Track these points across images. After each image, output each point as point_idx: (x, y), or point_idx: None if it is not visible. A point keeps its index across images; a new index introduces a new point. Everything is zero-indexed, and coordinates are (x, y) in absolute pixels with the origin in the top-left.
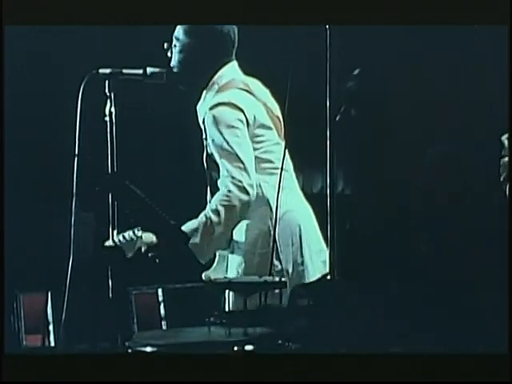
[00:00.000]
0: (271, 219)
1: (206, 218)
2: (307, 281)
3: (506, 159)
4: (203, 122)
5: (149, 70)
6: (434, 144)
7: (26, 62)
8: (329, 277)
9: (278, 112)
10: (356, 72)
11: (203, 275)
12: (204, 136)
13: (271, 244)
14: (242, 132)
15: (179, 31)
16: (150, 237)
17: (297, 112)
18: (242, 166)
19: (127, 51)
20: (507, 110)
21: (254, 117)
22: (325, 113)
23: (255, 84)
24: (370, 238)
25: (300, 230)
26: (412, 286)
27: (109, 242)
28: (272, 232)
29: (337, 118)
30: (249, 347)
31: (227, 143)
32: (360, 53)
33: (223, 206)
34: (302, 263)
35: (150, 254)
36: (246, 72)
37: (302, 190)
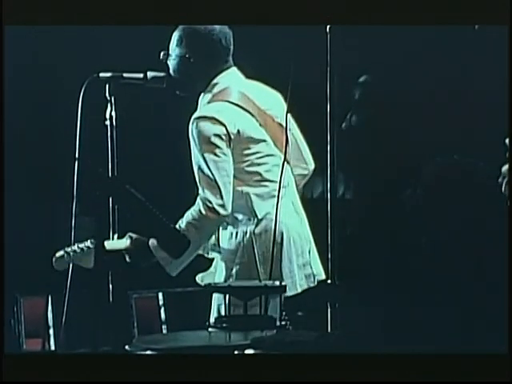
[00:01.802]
0: (255, 229)
1: None
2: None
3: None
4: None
5: (149, 74)
6: (435, 148)
7: (26, 62)
8: (329, 281)
9: (281, 119)
10: (360, 79)
11: (197, 278)
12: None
13: (255, 252)
14: (222, 150)
15: (172, 40)
16: (115, 244)
17: (297, 114)
18: (215, 187)
19: (127, 51)
20: (507, 110)
21: (240, 131)
22: (325, 116)
23: (257, 89)
24: (370, 243)
25: (282, 242)
26: (412, 288)
27: (59, 253)
28: (272, 242)
29: (343, 126)
30: (249, 351)
31: (204, 161)
32: (360, 53)
33: (192, 225)
34: (281, 276)
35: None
36: (249, 76)
37: (302, 193)
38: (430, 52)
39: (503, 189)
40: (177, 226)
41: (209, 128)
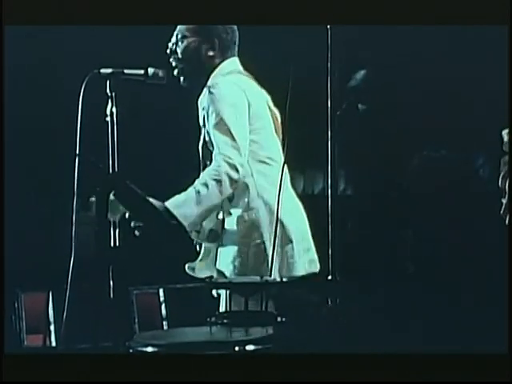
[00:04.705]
0: (258, 210)
1: (195, 190)
2: (295, 274)
3: (506, 157)
4: (203, 109)
5: (150, 70)
6: (435, 146)
7: (26, 62)
8: (330, 277)
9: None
10: (359, 73)
11: (186, 266)
12: (202, 123)
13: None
14: (242, 113)
15: (182, 29)
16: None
17: (297, 112)
18: (234, 144)
19: (128, 51)
20: (507, 110)
21: (255, 102)
22: (326, 113)
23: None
24: (370, 239)
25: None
26: (412, 286)
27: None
28: (274, 225)
29: (338, 113)
30: (250, 347)
31: (225, 120)
32: (360, 53)
33: (213, 179)
34: (292, 257)
35: (133, 223)
36: (247, 69)
37: (303, 190)
38: (429, 52)
39: (500, 183)
40: (195, 184)
41: (231, 91)
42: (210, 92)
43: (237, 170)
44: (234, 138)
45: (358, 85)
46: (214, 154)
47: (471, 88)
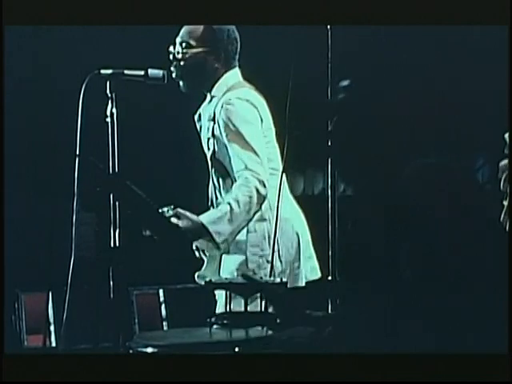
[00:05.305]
0: (270, 221)
1: (229, 207)
2: (300, 284)
3: (506, 161)
4: (212, 119)
5: (150, 71)
6: (435, 147)
7: (26, 62)
8: (330, 277)
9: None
10: (343, 83)
11: (196, 275)
12: (210, 133)
13: (271, 246)
14: (258, 129)
15: (187, 35)
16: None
17: (298, 112)
18: (259, 160)
19: (128, 52)
20: (507, 110)
21: (265, 116)
22: (326, 114)
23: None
24: (370, 239)
25: (298, 237)
26: (412, 287)
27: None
28: (272, 234)
29: (329, 128)
30: (250, 348)
31: (245, 137)
32: (360, 53)
33: (245, 195)
34: (299, 267)
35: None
36: (246, 78)
37: (303, 191)
38: (429, 52)
39: (501, 186)
40: (227, 200)
41: (246, 109)
42: (225, 108)
43: (264, 186)
44: (257, 155)
45: (344, 97)
46: (238, 170)
47: (471, 88)
